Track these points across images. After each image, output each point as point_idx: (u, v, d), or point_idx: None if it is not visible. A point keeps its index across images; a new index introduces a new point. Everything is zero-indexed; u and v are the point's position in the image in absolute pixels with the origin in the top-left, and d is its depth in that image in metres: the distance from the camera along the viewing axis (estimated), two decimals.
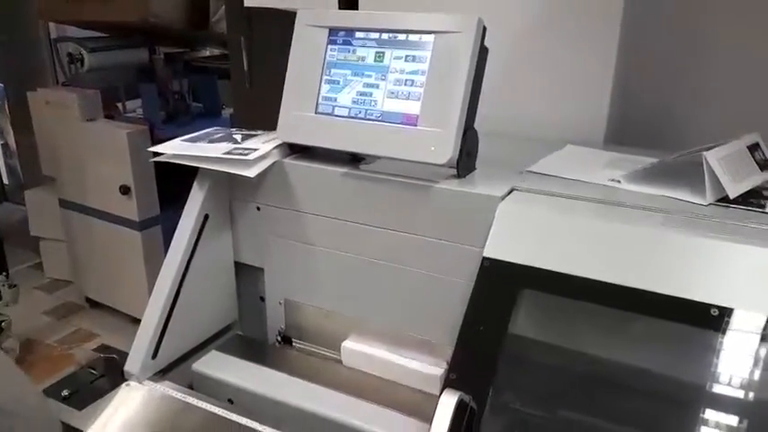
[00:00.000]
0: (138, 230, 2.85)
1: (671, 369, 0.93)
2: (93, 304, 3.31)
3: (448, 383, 0.90)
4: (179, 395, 1.17)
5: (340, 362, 1.33)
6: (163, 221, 2.91)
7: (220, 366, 1.30)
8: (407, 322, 1.25)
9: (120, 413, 1.13)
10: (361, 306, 1.30)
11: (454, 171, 1.15)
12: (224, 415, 1.11)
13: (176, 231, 1.30)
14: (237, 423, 1.10)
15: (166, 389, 1.19)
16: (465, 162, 1.15)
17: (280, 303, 1.40)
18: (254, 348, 1.40)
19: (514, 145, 1.43)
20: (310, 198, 1.28)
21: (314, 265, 1.32)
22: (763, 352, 0.83)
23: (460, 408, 0.85)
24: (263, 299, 1.46)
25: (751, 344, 0.84)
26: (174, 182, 2.96)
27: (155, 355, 1.23)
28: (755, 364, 0.84)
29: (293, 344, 1.42)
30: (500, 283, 0.97)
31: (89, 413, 1.12)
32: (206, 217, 1.31)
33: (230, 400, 1.22)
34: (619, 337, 0.96)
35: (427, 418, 1.12)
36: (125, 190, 2.79)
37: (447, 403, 0.85)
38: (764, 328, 0.82)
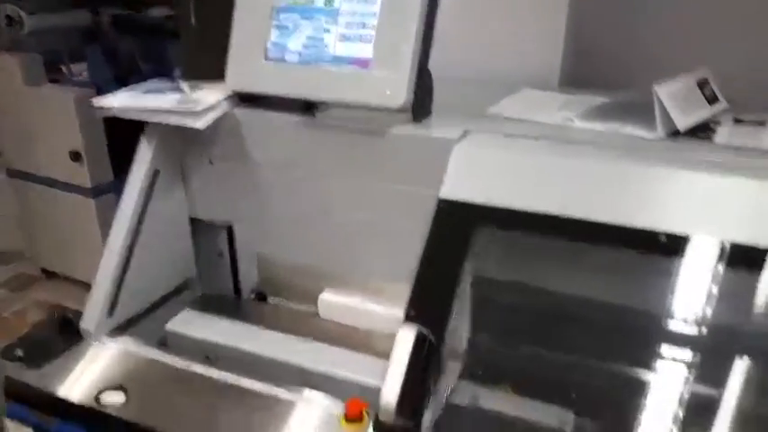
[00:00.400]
0: (91, 197, 2.77)
1: (626, 298, 0.95)
2: (50, 275, 3.22)
3: (406, 319, 0.90)
4: (136, 350, 1.15)
5: (317, 315, 1.33)
6: (117, 188, 2.82)
7: (194, 324, 1.28)
8: (376, 269, 1.25)
9: (80, 370, 1.11)
10: (329, 257, 1.29)
11: (410, 116, 1.14)
12: (185, 367, 1.10)
13: (125, 188, 1.26)
14: (201, 375, 1.08)
15: (123, 345, 1.16)
16: (420, 106, 1.13)
17: (250, 258, 1.38)
18: (227, 305, 1.38)
19: (471, 90, 1.42)
20: (264, 149, 1.25)
21: (274, 217, 1.30)
22: (711, 274, 0.85)
23: (419, 341, 0.86)
24: (221, 254, 1.44)
25: (703, 268, 0.86)
26: (128, 146, 2.90)
27: (111, 312, 1.20)
28: (704, 287, 0.87)
29: (266, 299, 1.41)
30: (455, 223, 0.97)
31: (48, 372, 1.09)
32: (156, 173, 1.27)
33: (208, 357, 1.19)
34: (574, 270, 0.97)
35: None
36: (75, 156, 2.70)
37: (406, 337, 0.86)
38: (719, 253, 0.84)
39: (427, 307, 0.90)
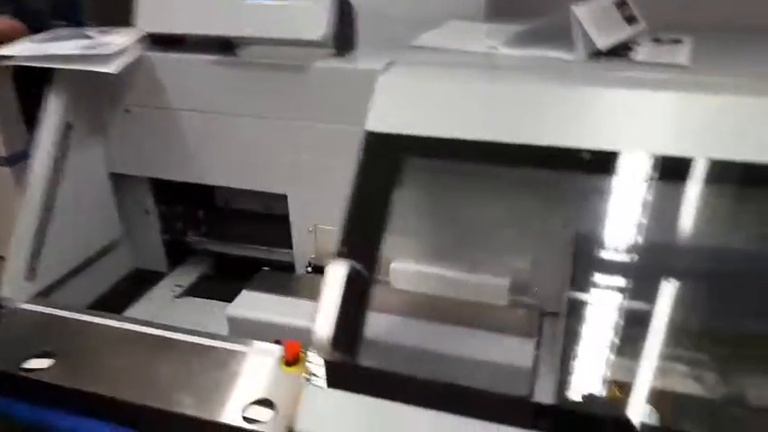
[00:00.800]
0: (6, 166, 2.61)
1: (552, 219, 0.96)
2: None
3: (338, 255, 0.88)
4: (61, 314, 1.09)
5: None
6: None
7: (257, 305, 1.16)
8: (308, 213, 1.22)
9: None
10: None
11: (333, 51, 1.10)
12: (117, 326, 1.06)
13: (35, 145, 1.18)
14: (136, 332, 1.04)
15: (46, 310, 1.10)
16: (342, 38, 1.10)
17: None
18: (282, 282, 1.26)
19: (396, 25, 1.39)
20: (183, 93, 1.19)
21: (197, 166, 1.25)
22: (643, 189, 0.87)
23: (351, 275, 0.84)
24: (147, 212, 1.38)
25: (634, 183, 0.87)
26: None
27: (31, 277, 1.14)
28: (637, 201, 0.89)
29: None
30: (383, 155, 0.95)
31: None
32: (69, 126, 1.20)
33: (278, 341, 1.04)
34: (501, 196, 0.98)
35: (500, 330, 1.05)
36: None
37: (336, 272, 0.84)
38: (650, 166, 0.85)
39: (358, 242, 0.88)
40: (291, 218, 1.23)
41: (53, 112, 1.18)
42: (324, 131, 1.11)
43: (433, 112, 0.96)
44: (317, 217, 1.21)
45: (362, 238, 0.90)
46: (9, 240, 2.95)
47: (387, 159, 0.95)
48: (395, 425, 0.82)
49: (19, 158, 2.64)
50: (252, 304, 1.14)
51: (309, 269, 1.28)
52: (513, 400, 0.83)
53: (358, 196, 0.93)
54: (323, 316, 0.84)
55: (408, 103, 0.98)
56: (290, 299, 1.16)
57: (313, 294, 0.90)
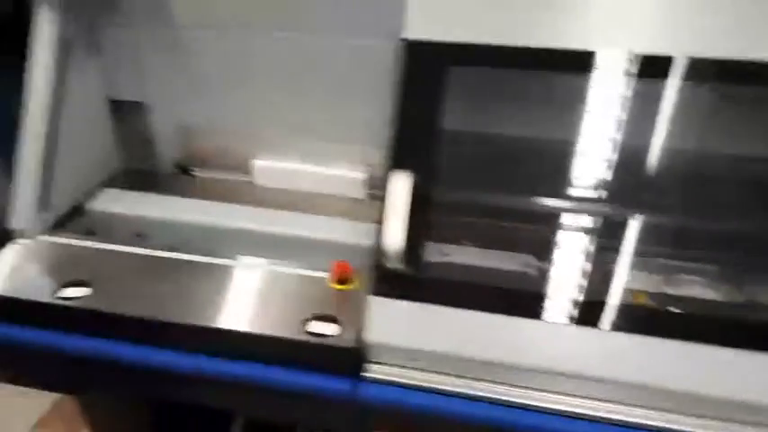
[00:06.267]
0: None
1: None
2: None
3: (392, 167, 0.87)
4: (83, 242, 1.04)
5: (249, 184, 1.26)
6: None
7: (119, 201, 1.17)
8: (318, 131, 1.19)
9: (22, 269, 0.99)
10: (267, 120, 1.21)
11: None
12: (140, 252, 1.01)
13: (30, 64, 1.07)
14: (156, 257, 1.00)
15: (66, 239, 1.04)
16: None
17: (172, 133, 1.26)
18: (149, 181, 1.27)
19: None
20: (187, 6, 1.12)
21: (205, 82, 1.19)
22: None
23: (412, 186, 0.84)
24: (148, 141, 1.31)
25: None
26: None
27: (44, 207, 1.06)
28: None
29: (192, 173, 1.31)
30: (426, 64, 0.92)
31: None
32: (67, 44, 1.10)
33: (138, 235, 1.10)
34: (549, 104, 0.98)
35: (358, 218, 1.12)
36: None
37: (400, 184, 0.83)
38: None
39: (412, 154, 0.87)
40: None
41: (48, 24, 1.06)
42: (331, 45, 1.09)
43: (473, 17, 0.93)
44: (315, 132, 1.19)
45: (415, 151, 0.89)
46: None
47: (429, 67, 0.93)
48: (462, 332, 0.84)
49: None
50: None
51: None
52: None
53: (404, 106, 0.91)
54: (391, 228, 0.83)
55: (446, 8, 0.95)
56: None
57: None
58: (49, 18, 1.07)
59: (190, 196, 1.19)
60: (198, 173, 1.30)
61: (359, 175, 1.20)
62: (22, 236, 1.04)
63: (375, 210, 1.14)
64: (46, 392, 1.93)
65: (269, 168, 1.24)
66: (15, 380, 1.10)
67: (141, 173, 1.30)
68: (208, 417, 1.36)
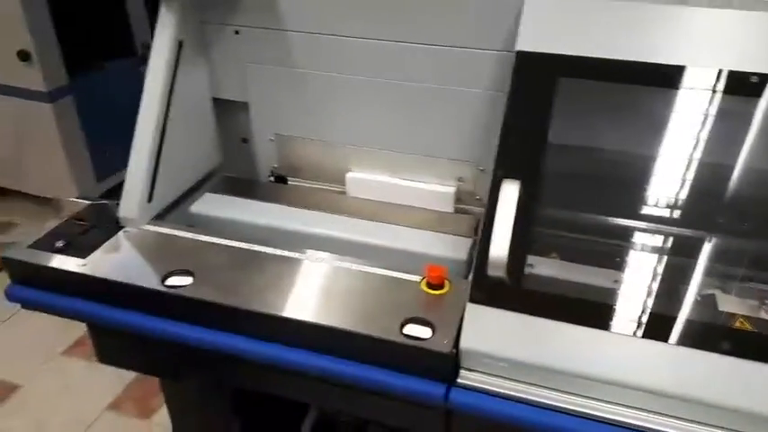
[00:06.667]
0: (47, 102, 2.54)
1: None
2: (2, 192, 2.99)
3: (499, 177, 0.88)
4: (185, 233, 1.08)
5: (342, 194, 1.29)
6: (75, 91, 2.61)
7: (219, 206, 1.22)
8: (414, 144, 1.21)
9: (131, 256, 1.04)
10: (363, 133, 1.24)
11: None
12: (238, 246, 1.05)
13: (149, 62, 1.14)
14: (254, 251, 1.04)
15: (173, 230, 1.09)
16: None
17: (270, 140, 1.31)
18: (248, 188, 1.32)
19: None
20: (297, 12, 1.16)
21: (307, 92, 1.23)
22: None
23: (519, 196, 0.84)
24: (245, 140, 1.36)
25: None
26: (82, 48, 2.64)
27: (150, 198, 1.12)
28: None
29: (288, 182, 1.35)
30: (538, 76, 0.93)
31: (95, 260, 1.02)
32: (180, 45, 1.16)
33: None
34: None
35: (446, 231, 1.14)
36: (24, 56, 2.44)
37: (509, 190, 0.84)
38: None
39: (516, 165, 0.88)
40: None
41: (166, 27, 1.13)
42: (452, 55, 1.10)
43: (586, 32, 0.94)
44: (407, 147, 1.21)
45: (520, 162, 0.90)
46: (46, 175, 2.90)
47: (541, 79, 0.94)
48: (558, 343, 0.83)
49: (59, 95, 2.58)
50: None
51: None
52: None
53: (513, 118, 0.92)
54: (497, 236, 0.84)
55: (559, 22, 0.96)
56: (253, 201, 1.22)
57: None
58: (170, 20, 1.13)
59: (284, 203, 1.23)
60: (293, 181, 1.34)
61: (449, 189, 1.22)
62: (130, 225, 1.10)
63: (463, 224, 1.17)
64: (118, 376, 2.04)
65: (361, 180, 1.27)
66: (110, 360, 1.15)
67: (238, 180, 1.35)
68: (281, 410, 1.39)
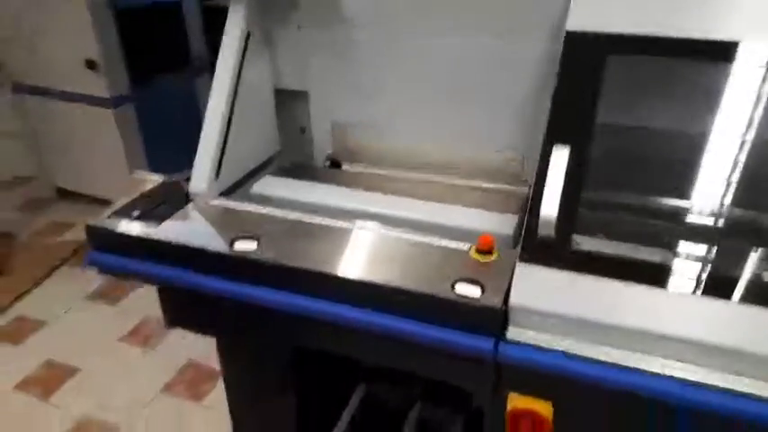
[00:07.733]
0: (110, 108, 2.70)
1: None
2: (64, 194, 3.17)
3: (549, 146, 0.93)
4: (254, 208, 1.16)
5: (394, 178, 1.36)
6: (136, 100, 2.76)
7: (278, 187, 1.30)
8: (460, 130, 1.27)
9: (200, 225, 1.12)
10: (414, 121, 1.31)
11: None
12: (298, 218, 1.12)
13: (220, 51, 1.24)
14: (312, 223, 1.11)
15: (236, 203, 1.18)
16: None
17: (327, 128, 1.39)
18: (305, 171, 1.40)
19: None
20: (355, 8, 1.25)
21: (365, 84, 1.31)
22: None
23: (569, 163, 0.89)
24: (303, 129, 1.44)
25: None
26: (143, 59, 2.81)
27: (217, 175, 1.21)
28: None
29: (342, 167, 1.42)
30: (587, 55, 0.99)
31: (168, 228, 1.10)
32: (248, 36, 1.26)
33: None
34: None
35: (494, 209, 1.19)
36: (91, 64, 2.61)
37: (559, 156, 0.89)
38: None
39: (568, 135, 0.93)
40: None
41: (237, 18, 1.23)
42: (506, 48, 1.16)
43: (634, 9, 0.99)
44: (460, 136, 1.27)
45: (571, 133, 0.95)
46: (109, 178, 3.04)
47: (590, 58, 0.99)
48: (607, 299, 0.87)
49: (121, 102, 2.74)
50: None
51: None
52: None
53: (563, 98, 0.98)
54: (548, 198, 0.89)
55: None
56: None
57: None
58: (240, 13, 1.23)
59: (340, 185, 1.30)
60: (348, 167, 1.42)
61: (497, 167, 1.27)
62: (198, 199, 1.18)
63: (511, 202, 1.22)
64: (171, 361, 2.13)
65: (412, 162, 1.33)
66: (179, 323, 1.23)
67: (296, 164, 1.43)
68: (333, 382, 1.45)
